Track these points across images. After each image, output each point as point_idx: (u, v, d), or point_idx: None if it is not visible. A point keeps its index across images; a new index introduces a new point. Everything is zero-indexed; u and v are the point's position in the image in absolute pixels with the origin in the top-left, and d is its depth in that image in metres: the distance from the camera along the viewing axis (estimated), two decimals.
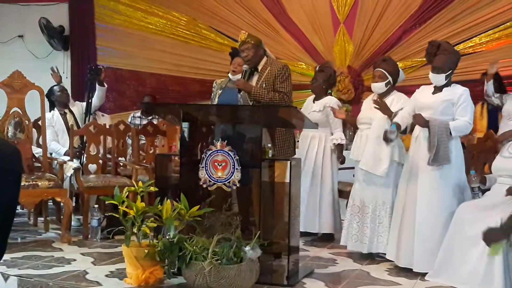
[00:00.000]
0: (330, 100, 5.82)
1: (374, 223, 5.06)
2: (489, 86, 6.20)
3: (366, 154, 5.05)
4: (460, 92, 4.65)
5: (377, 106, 4.98)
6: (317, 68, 5.98)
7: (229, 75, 5.45)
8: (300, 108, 5.57)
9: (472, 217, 4.28)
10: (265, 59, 5.20)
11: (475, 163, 5.27)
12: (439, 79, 4.66)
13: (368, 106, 5.25)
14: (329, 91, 6.12)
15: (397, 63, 7.36)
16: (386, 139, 4.84)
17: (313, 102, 5.89)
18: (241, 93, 5.08)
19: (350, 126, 6.19)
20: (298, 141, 5.90)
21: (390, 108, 4.97)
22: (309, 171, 5.75)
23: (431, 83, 4.75)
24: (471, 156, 5.31)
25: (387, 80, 5.14)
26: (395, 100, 5.07)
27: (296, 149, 5.49)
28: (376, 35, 7.94)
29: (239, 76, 5.25)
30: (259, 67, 5.18)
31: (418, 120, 4.63)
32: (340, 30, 8.09)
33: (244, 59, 5.20)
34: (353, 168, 5.55)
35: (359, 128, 5.29)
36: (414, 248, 4.60)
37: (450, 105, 4.61)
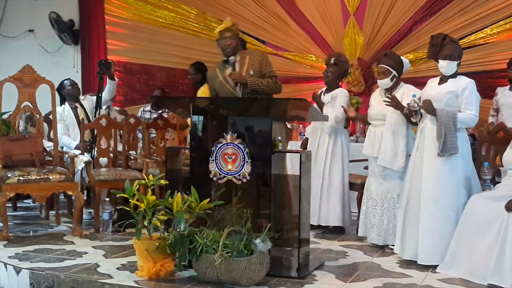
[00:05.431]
0: (340, 92, 5.77)
1: (390, 216, 5.08)
2: None
3: (383, 151, 5.04)
4: (464, 84, 4.57)
5: (388, 103, 4.92)
6: (332, 61, 5.80)
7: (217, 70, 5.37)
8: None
9: (483, 208, 4.25)
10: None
11: (486, 155, 5.23)
12: (452, 66, 4.58)
13: (377, 101, 5.19)
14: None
15: (408, 54, 7.42)
16: (411, 113, 4.70)
17: (324, 95, 5.84)
18: (238, 85, 5.10)
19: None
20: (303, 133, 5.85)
21: (401, 102, 4.91)
22: (319, 164, 5.71)
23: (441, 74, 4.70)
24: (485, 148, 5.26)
25: (392, 75, 5.10)
26: (405, 94, 5.01)
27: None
28: (386, 27, 7.89)
29: (229, 69, 5.20)
30: (238, 57, 5.16)
31: (428, 106, 4.55)
32: (350, 22, 8.04)
33: (226, 46, 5.14)
34: (364, 160, 5.54)
35: (372, 124, 5.24)
36: (418, 241, 4.58)
37: (453, 97, 4.55)
